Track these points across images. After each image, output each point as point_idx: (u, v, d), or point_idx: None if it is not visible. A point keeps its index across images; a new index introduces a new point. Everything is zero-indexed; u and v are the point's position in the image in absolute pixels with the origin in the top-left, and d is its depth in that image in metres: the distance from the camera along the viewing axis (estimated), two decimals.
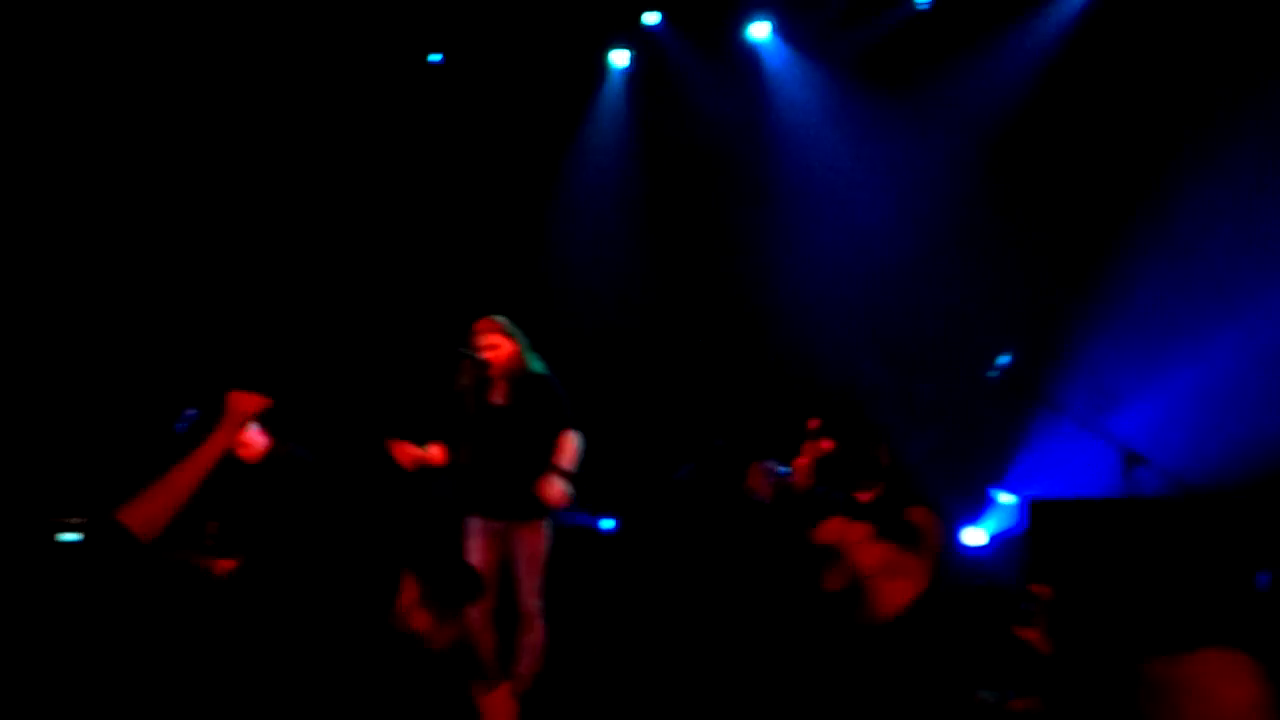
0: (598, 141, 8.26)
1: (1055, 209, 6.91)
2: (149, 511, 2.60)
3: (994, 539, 6.68)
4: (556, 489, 5.03)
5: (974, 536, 6.72)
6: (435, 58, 8.16)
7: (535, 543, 5.13)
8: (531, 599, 5.13)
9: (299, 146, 7.91)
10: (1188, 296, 6.36)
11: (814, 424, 5.42)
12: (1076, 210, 6.84)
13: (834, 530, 4.38)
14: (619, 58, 8.15)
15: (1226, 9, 6.34)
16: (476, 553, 5.15)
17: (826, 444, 5.60)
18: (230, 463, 5.93)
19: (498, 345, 5.17)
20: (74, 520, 4.79)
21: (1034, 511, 5.28)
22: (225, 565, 5.03)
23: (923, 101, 7.29)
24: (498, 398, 5.23)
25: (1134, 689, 1.81)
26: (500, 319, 5.26)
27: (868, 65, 7.45)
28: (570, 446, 5.14)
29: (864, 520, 4.89)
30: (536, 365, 5.26)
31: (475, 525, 5.21)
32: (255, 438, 5.26)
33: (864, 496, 5.17)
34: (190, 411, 5.11)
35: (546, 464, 5.11)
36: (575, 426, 5.20)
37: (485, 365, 5.13)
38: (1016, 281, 6.94)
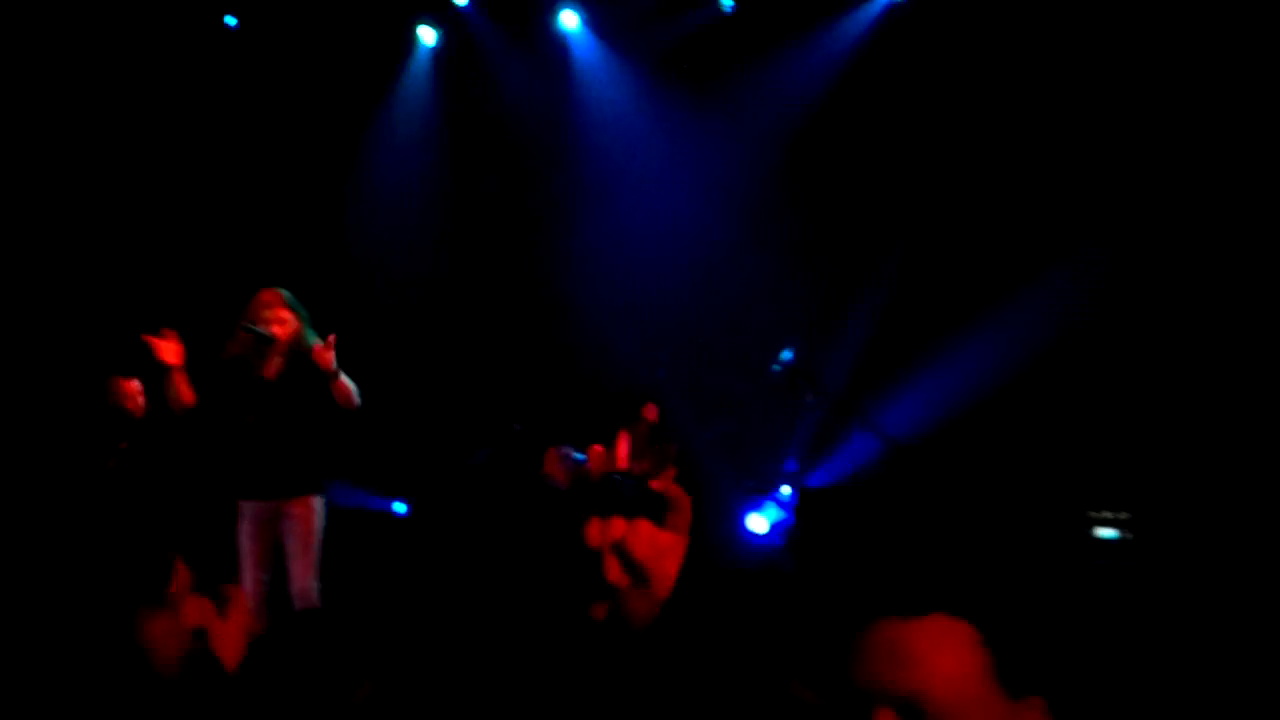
0: (401, 118, 8.15)
1: (841, 211, 7.27)
2: None
3: (775, 526, 7.01)
4: (328, 354, 4.80)
5: (756, 524, 7.03)
6: (230, 21, 7.85)
7: (306, 521, 4.97)
8: (304, 580, 4.94)
9: (83, 109, 7.47)
10: (960, 297, 6.81)
11: (651, 413, 5.60)
12: (864, 210, 7.22)
13: (610, 531, 4.45)
14: (426, 34, 8.06)
15: (1020, 22, 6.79)
16: (246, 537, 4.97)
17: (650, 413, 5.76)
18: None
19: (285, 320, 4.97)
20: None
21: (802, 498, 5.60)
22: None
23: (722, 102, 7.53)
24: (270, 373, 5.02)
25: (861, 653, 1.78)
26: (283, 292, 5.04)
27: (673, 62, 7.63)
28: (348, 386, 4.91)
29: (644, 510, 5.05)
30: (313, 340, 5.00)
31: (245, 509, 5.02)
32: None
33: (656, 484, 5.34)
34: None
35: (317, 442, 4.98)
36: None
37: (270, 340, 4.97)
38: (803, 279, 7.27)
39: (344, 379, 4.88)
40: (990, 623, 1.85)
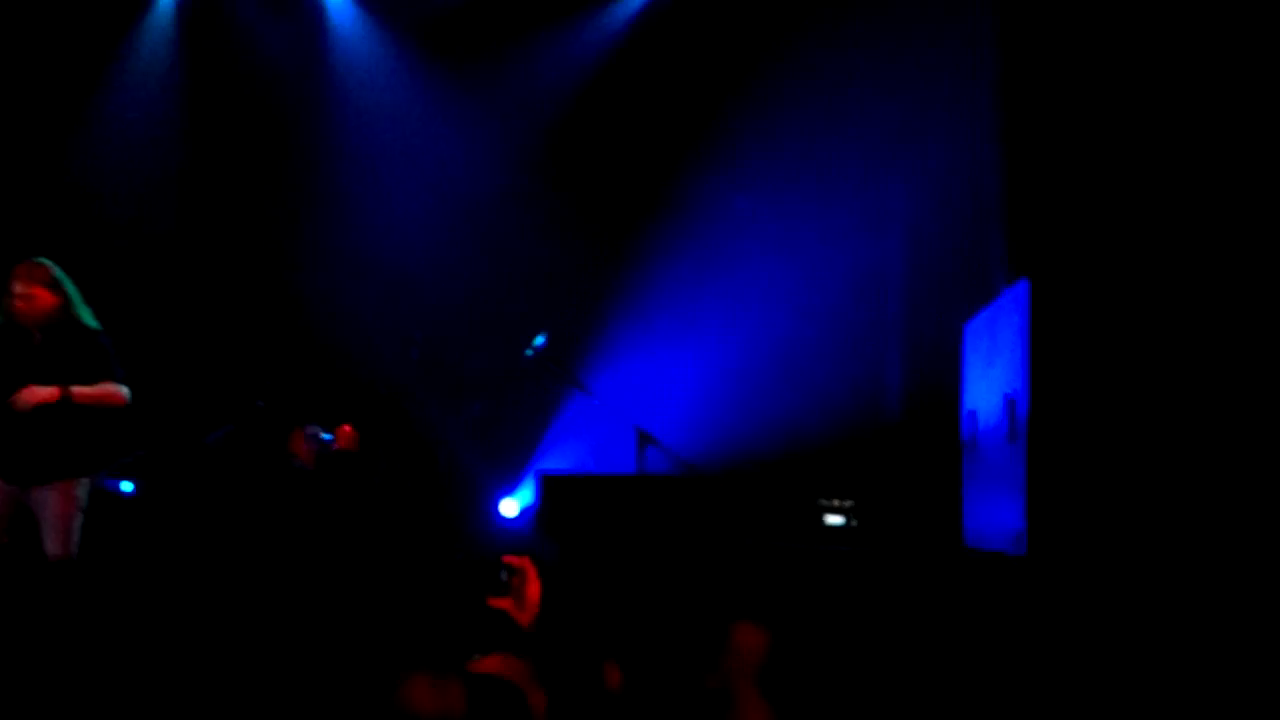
0: (137, 73, 7.61)
1: (599, 197, 7.41)
2: None
3: (525, 511, 7.10)
4: (37, 393, 4.59)
5: (508, 508, 7.10)
6: None
7: (58, 504, 4.72)
8: (55, 550, 4.72)
9: None
10: (705, 292, 7.11)
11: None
12: (618, 200, 7.39)
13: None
14: None
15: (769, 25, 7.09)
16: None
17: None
18: None
19: (34, 296, 4.67)
20: None
21: (544, 485, 5.71)
22: None
23: (486, 80, 7.52)
24: (27, 352, 4.74)
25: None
26: (46, 264, 4.73)
27: (435, 37, 7.52)
28: (102, 390, 4.72)
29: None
30: (87, 318, 4.79)
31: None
32: None
33: None
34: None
35: (85, 428, 4.73)
36: (126, 385, 4.83)
37: (13, 316, 4.64)
38: (558, 261, 7.36)
39: (86, 390, 4.66)
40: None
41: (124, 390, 4.76)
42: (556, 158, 7.46)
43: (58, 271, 4.74)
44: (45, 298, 4.68)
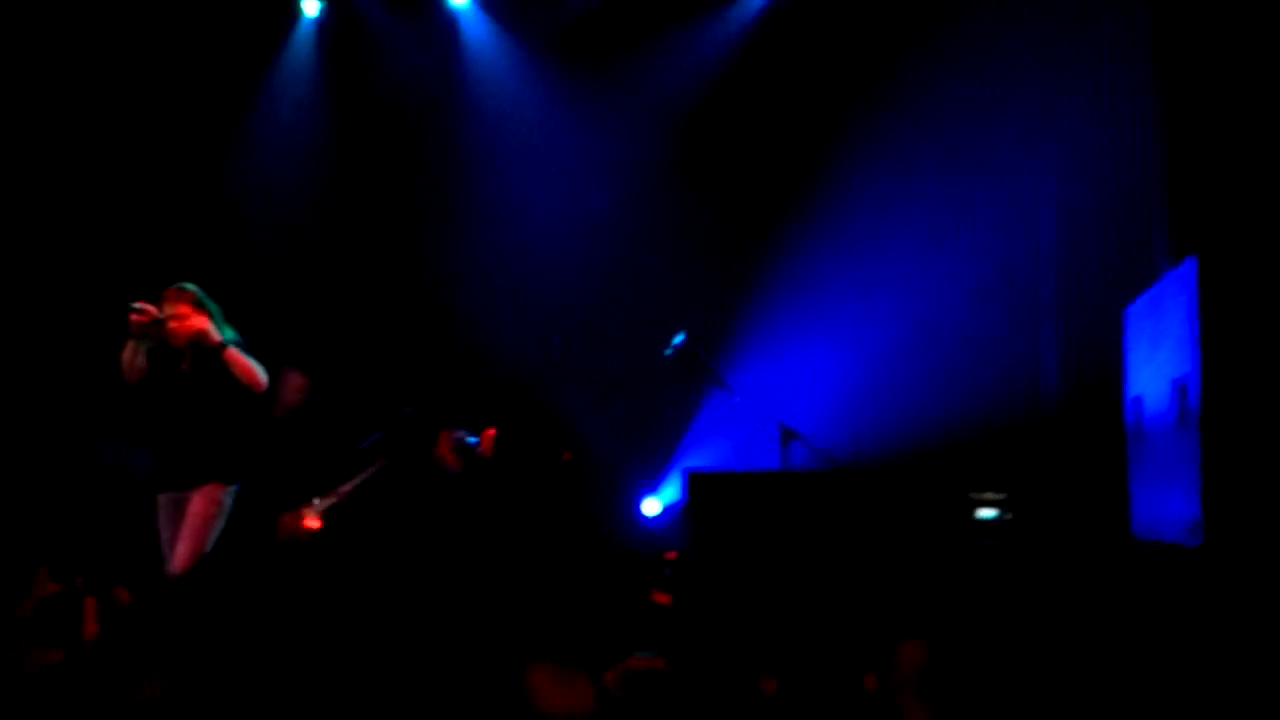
0: (284, 91, 7.89)
1: (735, 194, 7.34)
2: None
3: (668, 509, 7.07)
4: (194, 324, 4.91)
5: (650, 507, 7.08)
6: None
7: (200, 505, 4.95)
8: (182, 563, 4.91)
9: None
10: (847, 283, 6.96)
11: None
12: (754, 196, 7.31)
13: None
14: (309, 5, 7.82)
15: (906, 12, 6.93)
16: (165, 529, 5.04)
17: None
18: None
19: (185, 316, 4.97)
20: None
21: (690, 483, 5.67)
22: None
23: (616, 83, 7.51)
24: (183, 368, 5.08)
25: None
26: (190, 288, 5.06)
27: (564, 40, 7.57)
28: (248, 365, 4.97)
29: None
30: (228, 334, 5.08)
31: (162, 501, 5.08)
32: None
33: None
34: None
35: (225, 433, 5.01)
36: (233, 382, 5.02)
37: (164, 337, 4.95)
38: (695, 261, 7.33)
39: (238, 354, 4.94)
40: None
41: (264, 376, 5.01)
42: (691, 155, 7.42)
43: (201, 294, 5.07)
44: (195, 317, 4.99)
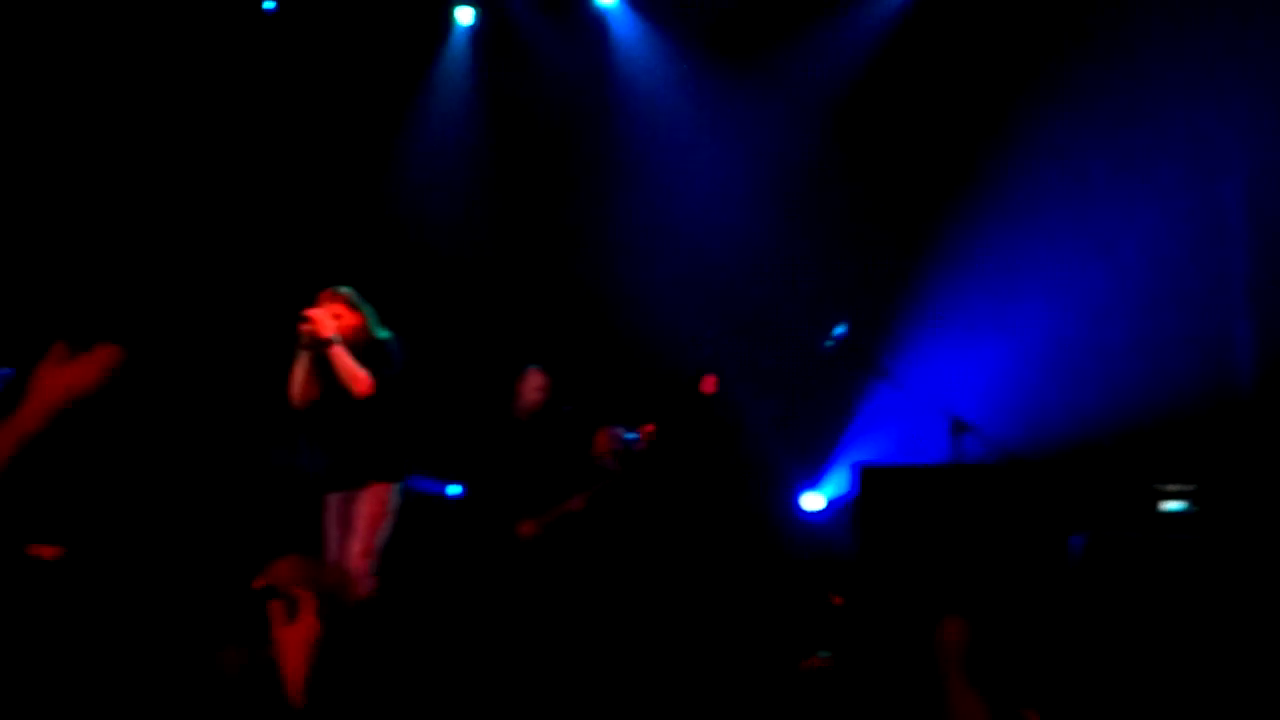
0: (440, 101, 8.08)
1: (892, 180, 7.14)
2: None
3: (830, 504, 6.94)
4: (323, 322, 5.01)
5: (812, 502, 6.96)
6: (269, 4, 7.80)
7: (368, 507, 5.07)
8: (353, 563, 5.01)
9: (129, 99, 7.42)
10: (1014, 269, 6.69)
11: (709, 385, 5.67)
12: (912, 182, 7.10)
13: None
14: (464, 15, 7.99)
15: None
16: (333, 529, 5.16)
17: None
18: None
19: (340, 316, 5.11)
20: None
21: (863, 477, 5.51)
22: (49, 552, 4.76)
23: (766, 71, 7.41)
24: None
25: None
26: (345, 290, 5.19)
27: (713, 34, 7.51)
28: (354, 369, 5.01)
29: None
30: (382, 335, 5.20)
31: (330, 501, 5.21)
32: None
33: None
34: (7, 371, 4.79)
35: (383, 433, 5.10)
36: (387, 381, 5.11)
37: (323, 342, 5.05)
38: (853, 251, 7.16)
39: (343, 354, 4.98)
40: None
41: (367, 382, 5.02)
42: (847, 144, 7.25)
43: (356, 295, 5.21)
44: (349, 316, 5.12)
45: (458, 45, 8.09)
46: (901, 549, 5.20)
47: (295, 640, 2.67)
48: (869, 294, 6.99)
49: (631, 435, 6.61)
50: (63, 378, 2.57)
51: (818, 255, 7.20)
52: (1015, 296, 6.64)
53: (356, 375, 4.99)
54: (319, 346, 5.01)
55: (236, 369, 6.94)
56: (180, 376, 6.93)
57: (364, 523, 5.06)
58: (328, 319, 5.01)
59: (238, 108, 7.69)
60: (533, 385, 6.36)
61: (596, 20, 7.86)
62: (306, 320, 5.01)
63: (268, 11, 7.80)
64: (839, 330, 6.04)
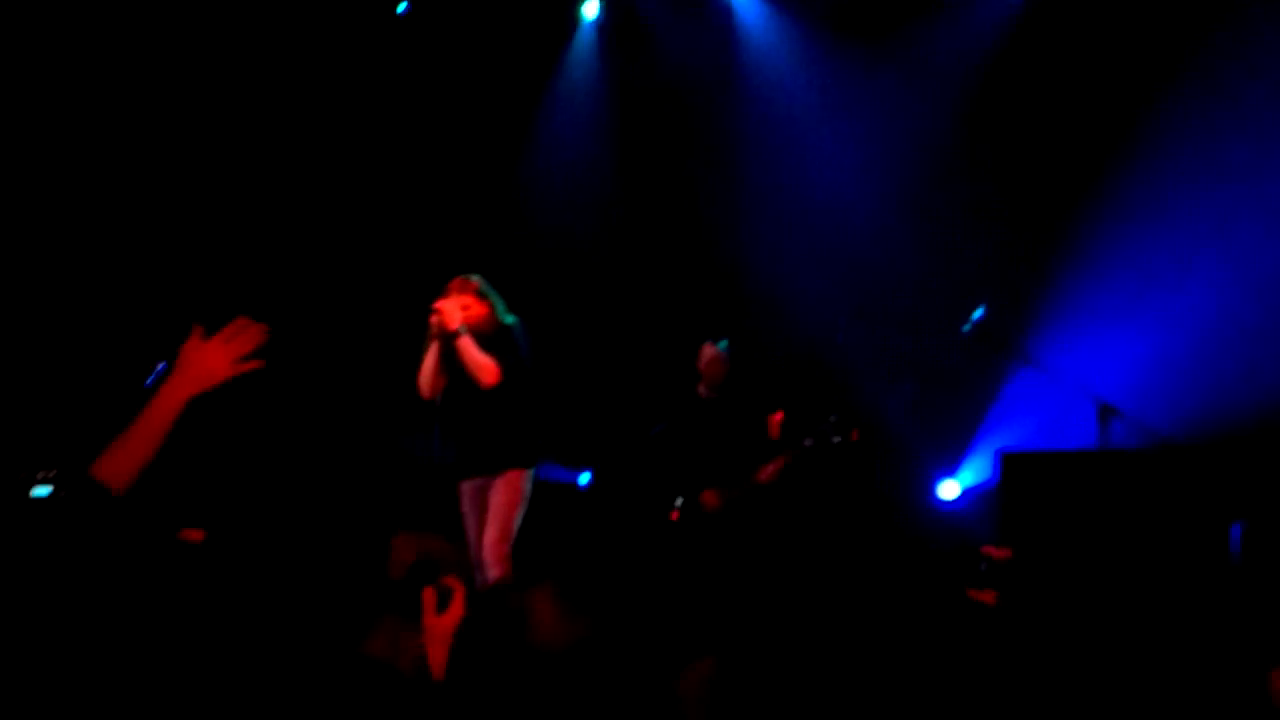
0: (569, 95, 8.16)
1: (1031, 162, 6.89)
2: (118, 464, 2.53)
3: (967, 492, 6.73)
4: (451, 313, 5.09)
5: (948, 490, 6.77)
6: (401, 7, 7.98)
7: (503, 494, 5.11)
8: (491, 549, 5.07)
9: (265, 102, 7.68)
10: (1161, 250, 6.39)
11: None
12: (1052, 164, 6.83)
13: None
14: (589, 9, 8.05)
15: None
16: (470, 515, 5.25)
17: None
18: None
19: (469, 306, 5.17)
20: (44, 474, 4.68)
21: (1005, 464, 5.28)
22: (194, 535, 4.93)
23: (897, 55, 7.24)
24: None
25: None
26: (475, 278, 5.25)
27: (840, 18, 7.38)
28: (479, 359, 5.07)
29: None
30: (508, 320, 5.25)
31: (464, 488, 5.29)
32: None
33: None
34: (161, 365, 4.99)
35: (514, 419, 5.14)
36: (516, 370, 5.14)
37: (451, 334, 5.13)
38: (991, 235, 6.94)
39: (469, 344, 5.03)
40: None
41: (494, 371, 5.06)
42: (981, 126, 7.02)
43: (485, 284, 5.25)
44: (477, 306, 5.17)
45: (584, 38, 8.14)
46: (1050, 539, 4.97)
47: (443, 629, 2.70)
48: (1009, 277, 6.76)
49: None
50: (207, 354, 2.66)
51: (955, 238, 6.99)
52: (1159, 280, 6.33)
53: (483, 365, 5.05)
54: (447, 338, 5.07)
55: (371, 358, 7.09)
56: (317, 367, 7.12)
57: (499, 509, 5.11)
58: (455, 310, 5.07)
59: (375, 106, 7.88)
60: (707, 359, 6.31)
61: (721, 7, 7.80)
62: (435, 312, 5.08)
63: (401, 14, 7.97)
64: (977, 314, 5.84)
